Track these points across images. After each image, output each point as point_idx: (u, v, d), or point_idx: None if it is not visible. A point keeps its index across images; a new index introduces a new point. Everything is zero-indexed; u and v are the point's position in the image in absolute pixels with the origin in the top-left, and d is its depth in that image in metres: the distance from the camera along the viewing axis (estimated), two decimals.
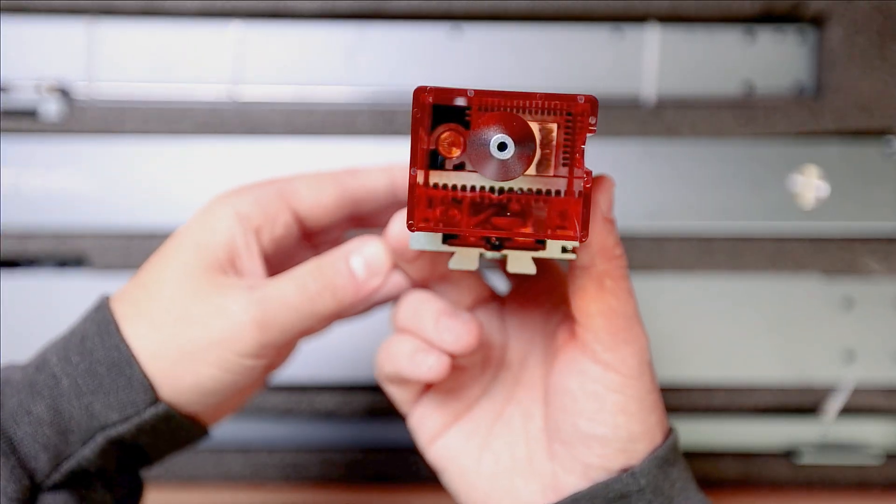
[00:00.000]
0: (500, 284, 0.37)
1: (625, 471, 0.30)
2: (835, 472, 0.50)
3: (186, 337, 0.30)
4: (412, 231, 0.26)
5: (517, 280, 0.36)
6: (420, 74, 0.52)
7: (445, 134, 0.25)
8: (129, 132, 0.51)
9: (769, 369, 0.51)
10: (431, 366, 0.31)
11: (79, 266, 0.51)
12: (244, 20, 0.52)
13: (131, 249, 0.50)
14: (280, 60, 0.53)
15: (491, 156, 0.23)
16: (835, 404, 0.50)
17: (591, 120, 0.24)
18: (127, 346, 0.30)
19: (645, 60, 0.53)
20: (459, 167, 0.26)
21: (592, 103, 0.24)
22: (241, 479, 0.50)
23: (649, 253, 0.51)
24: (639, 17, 0.52)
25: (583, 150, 0.25)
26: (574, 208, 0.25)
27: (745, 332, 0.51)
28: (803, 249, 0.51)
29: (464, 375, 0.34)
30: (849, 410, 0.51)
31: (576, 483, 0.30)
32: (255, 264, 0.32)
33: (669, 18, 0.52)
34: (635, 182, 0.51)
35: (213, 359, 0.30)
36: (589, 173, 0.25)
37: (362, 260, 0.32)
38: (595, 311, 0.29)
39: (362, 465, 0.50)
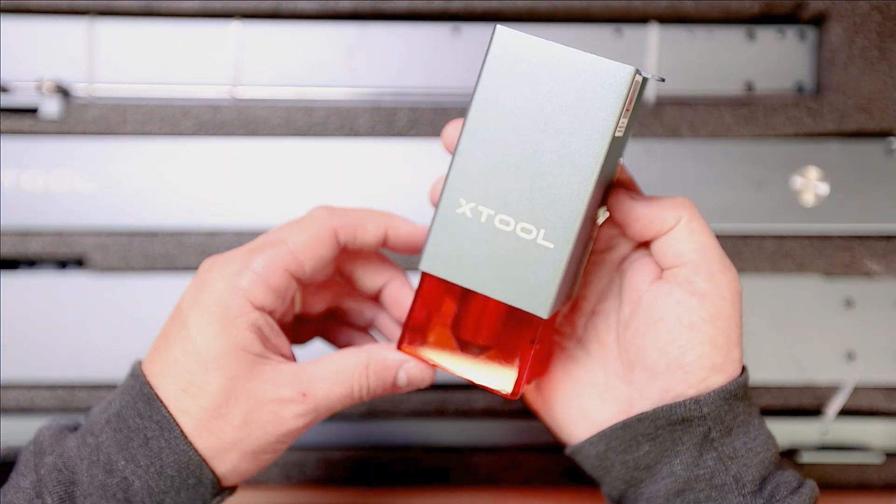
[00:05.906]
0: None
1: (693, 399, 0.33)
2: (835, 472, 0.50)
3: (248, 443, 0.33)
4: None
5: None
6: (420, 74, 0.52)
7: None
8: (129, 132, 0.51)
9: (770, 369, 0.51)
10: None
11: (79, 266, 0.51)
12: (244, 20, 0.52)
13: (131, 249, 0.50)
14: (280, 60, 0.53)
15: None
16: (835, 404, 0.50)
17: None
18: (196, 452, 0.32)
19: (645, 61, 0.53)
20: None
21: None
22: None
23: None
24: (639, 17, 0.52)
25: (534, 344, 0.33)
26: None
27: (746, 332, 0.51)
28: (804, 249, 0.51)
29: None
30: (849, 410, 0.51)
31: (649, 407, 0.34)
32: (280, 340, 0.34)
33: (669, 18, 0.52)
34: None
35: (272, 454, 0.34)
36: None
37: (406, 377, 0.35)
38: (689, 248, 0.33)
39: (362, 465, 0.50)
